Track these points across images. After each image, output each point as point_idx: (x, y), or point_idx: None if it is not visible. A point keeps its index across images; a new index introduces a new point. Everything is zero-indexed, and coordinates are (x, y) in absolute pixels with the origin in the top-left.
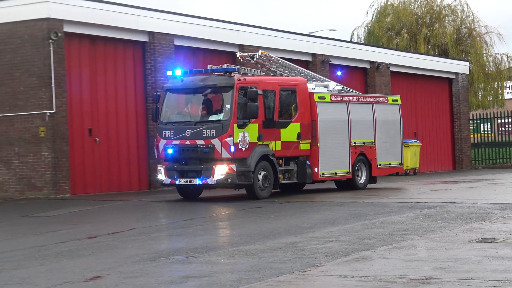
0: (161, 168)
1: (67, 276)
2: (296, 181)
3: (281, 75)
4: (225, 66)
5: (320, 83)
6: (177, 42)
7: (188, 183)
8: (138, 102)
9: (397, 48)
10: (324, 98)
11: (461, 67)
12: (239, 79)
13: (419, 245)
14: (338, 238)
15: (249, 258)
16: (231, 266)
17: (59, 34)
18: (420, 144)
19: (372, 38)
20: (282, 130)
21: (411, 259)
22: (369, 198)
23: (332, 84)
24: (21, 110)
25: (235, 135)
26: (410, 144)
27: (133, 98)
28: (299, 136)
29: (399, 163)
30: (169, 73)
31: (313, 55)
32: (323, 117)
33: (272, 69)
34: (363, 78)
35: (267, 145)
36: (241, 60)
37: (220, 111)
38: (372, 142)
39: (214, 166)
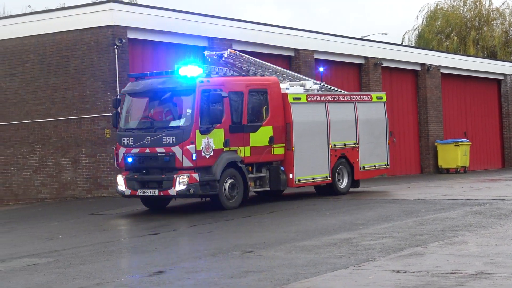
0: (121, 178)
1: (131, 271)
2: (269, 188)
3: (255, 74)
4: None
5: (296, 82)
6: (235, 47)
7: (149, 194)
8: None
9: (447, 50)
10: (299, 98)
11: (509, 68)
12: (202, 81)
13: (470, 241)
14: (391, 234)
15: (305, 253)
16: (288, 261)
17: (123, 40)
18: (470, 143)
19: (423, 41)
20: (251, 135)
21: (462, 255)
22: (421, 196)
23: (309, 83)
24: (88, 113)
25: (198, 142)
26: (460, 143)
27: None
28: (271, 140)
29: (385, 165)
30: (129, 76)
31: (366, 58)
32: (298, 119)
33: (244, 68)
34: (414, 80)
35: (235, 151)
36: (209, 60)
37: (181, 116)
38: (354, 144)
39: (175, 176)
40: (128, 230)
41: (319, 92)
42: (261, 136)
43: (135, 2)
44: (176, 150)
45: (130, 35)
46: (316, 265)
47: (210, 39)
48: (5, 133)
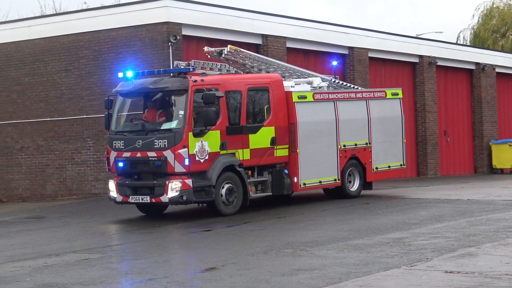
0: (112, 184)
1: (183, 267)
2: (271, 193)
3: (260, 71)
4: (186, 65)
5: (302, 79)
6: (289, 44)
7: (141, 201)
8: None
9: (502, 49)
10: (305, 97)
11: None
12: (195, 81)
13: None
14: (444, 234)
15: (357, 252)
16: (340, 260)
17: (178, 37)
18: None
19: (478, 40)
20: (251, 136)
21: None
22: (474, 196)
23: (317, 80)
24: None
25: (191, 146)
26: (510, 143)
27: None
28: (273, 142)
29: (401, 165)
30: (120, 74)
31: (420, 56)
32: (304, 119)
33: (247, 65)
34: (469, 80)
35: (233, 154)
36: (209, 57)
37: (173, 118)
38: (366, 144)
39: (167, 182)
40: (180, 227)
41: (329, 89)
42: (262, 137)
43: None
44: (168, 154)
45: (185, 32)
46: (368, 264)
47: (264, 36)
48: (60, 128)
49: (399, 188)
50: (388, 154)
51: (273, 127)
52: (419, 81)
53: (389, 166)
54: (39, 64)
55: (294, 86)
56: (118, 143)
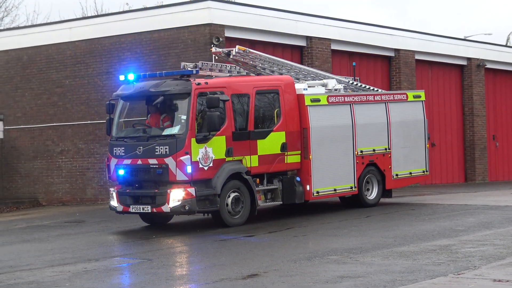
0: (113, 193)
1: (225, 273)
2: (281, 202)
3: (273, 72)
4: (193, 66)
5: (316, 81)
6: (333, 47)
7: (142, 210)
8: None
9: None
10: (319, 100)
11: None
12: (199, 83)
13: None
14: (493, 242)
15: (403, 259)
16: (385, 267)
17: (221, 39)
18: None
19: None
20: (259, 142)
21: None
22: None
23: (332, 82)
24: None
25: (194, 152)
26: None
27: None
28: (284, 148)
29: (423, 171)
30: (122, 77)
31: (468, 59)
32: (317, 124)
33: (259, 66)
34: None
35: (240, 161)
36: (216, 58)
37: (176, 123)
38: (385, 149)
39: (168, 191)
40: (222, 232)
41: (346, 91)
42: (271, 143)
43: (233, 1)
44: (169, 161)
45: (228, 33)
46: (414, 272)
47: (308, 38)
48: (100, 131)
49: (446, 194)
50: (410, 160)
51: (283, 132)
52: (467, 84)
53: (410, 173)
54: (80, 66)
55: (307, 89)
56: (119, 149)
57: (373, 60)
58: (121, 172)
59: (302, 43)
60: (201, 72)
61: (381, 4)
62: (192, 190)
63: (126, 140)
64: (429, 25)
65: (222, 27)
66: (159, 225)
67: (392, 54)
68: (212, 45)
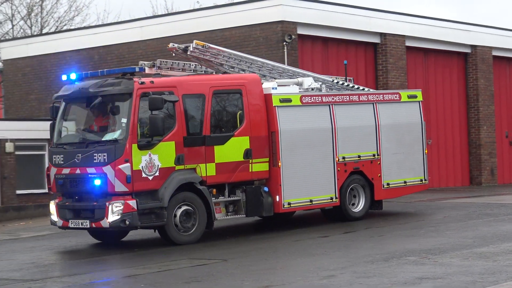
0: (52, 206)
1: (301, 274)
2: (244, 215)
3: (243, 71)
4: (150, 65)
5: (289, 80)
6: (408, 43)
7: (81, 225)
8: None
9: None
10: (290, 100)
11: None
12: (142, 83)
13: None
14: None
15: (483, 260)
16: (465, 269)
17: (293, 36)
18: None
19: None
20: (217, 148)
21: None
22: None
23: (308, 81)
24: None
25: (135, 160)
26: None
27: None
28: (247, 154)
29: (421, 180)
30: (64, 77)
31: None
32: (287, 127)
33: (225, 64)
34: None
35: (193, 169)
36: (173, 54)
37: (117, 127)
38: (373, 155)
39: (107, 204)
40: (296, 233)
41: (328, 91)
42: (231, 149)
43: None
44: (108, 170)
45: (300, 31)
46: (494, 273)
47: (382, 35)
48: None
49: None
50: (404, 168)
51: (247, 137)
52: None
53: (405, 182)
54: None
55: (276, 88)
56: (58, 157)
57: (449, 57)
58: (60, 183)
59: (376, 40)
60: (162, 72)
61: (446, 1)
62: (133, 203)
63: (65, 147)
64: (499, 21)
65: (294, 24)
66: (239, 224)
67: (468, 50)
68: (171, 44)
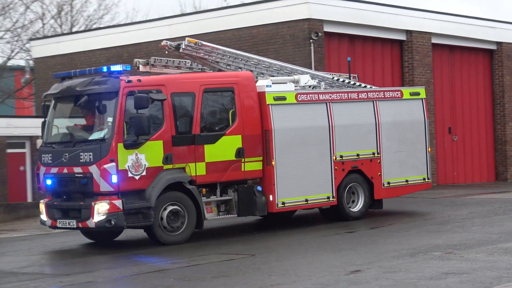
0: (42, 205)
1: (327, 269)
2: (236, 215)
3: (240, 69)
4: (144, 63)
5: (285, 77)
6: (434, 40)
7: (68, 225)
8: None
9: None
10: (284, 98)
11: None
12: (129, 81)
13: None
14: None
15: (509, 256)
16: (490, 264)
17: (320, 34)
18: None
19: None
20: (207, 147)
21: None
22: None
23: (305, 78)
24: None
25: (121, 159)
26: None
27: None
28: (240, 153)
29: (424, 179)
30: (55, 75)
31: None
32: (282, 125)
33: (221, 61)
34: None
35: (182, 169)
36: (166, 52)
37: (104, 126)
38: (373, 154)
39: (93, 204)
40: (323, 228)
41: (327, 88)
42: (223, 148)
43: None
44: (93, 170)
45: (326, 28)
46: None
47: (408, 32)
48: None
49: None
50: (406, 166)
51: (239, 136)
52: None
53: (406, 181)
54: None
55: (271, 86)
56: (47, 156)
57: (475, 55)
58: (49, 182)
59: (402, 37)
60: (153, 70)
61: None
62: (118, 203)
63: (54, 146)
64: None
65: (321, 22)
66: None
67: (494, 47)
68: (164, 42)
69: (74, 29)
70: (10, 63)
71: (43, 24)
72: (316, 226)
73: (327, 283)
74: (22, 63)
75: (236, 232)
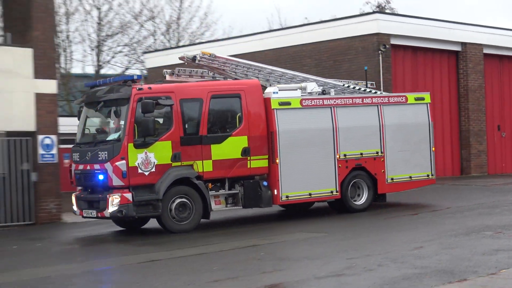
0: (73, 197)
1: (396, 245)
2: (241, 206)
3: (247, 76)
4: (170, 73)
5: (293, 85)
6: (485, 51)
7: (91, 215)
8: (451, 100)
9: None
10: (289, 103)
11: None
12: (140, 89)
13: None
14: None
15: None
16: None
17: (387, 46)
18: None
19: None
20: (214, 146)
21: None
22: None
23: (311, 86)
24: None
25: (131, 157)
26: None
27: (447, 97)
28: (246, 152)
29: (428, 175)
30: (86, 84)
31: None
32: (286, 127)
33: (234, 72)
34: None
35: (190, 166)
36: (185, 63)
37: (119, 129)
38: (377, 153)
39: (108, 196)
40: (388, 211)
41: (337, 95)
42: (229, 148)
43: (397, 13)
44: (108, 167)
45: (393, 41)
46: None
47: (463, 44)
48: None
49: None
50: (410, 164)
51: (245, 137)
52: None
53: (410, 177)
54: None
55: (277, 92)
56: (76, 155)
57: None
58: (77, 177)
59: (458, 48)
60: (178, 79)
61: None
62: (129, 195)
63: (81, 146)
64: None
65: (388, 36)
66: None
67: None
68: (183, 53)
69: (180, 44)
70: (127, 72)
71: (155, 39)
72: (381, 210)
73: (395, 257)
74: (137, 72)
75: (309, 215)
